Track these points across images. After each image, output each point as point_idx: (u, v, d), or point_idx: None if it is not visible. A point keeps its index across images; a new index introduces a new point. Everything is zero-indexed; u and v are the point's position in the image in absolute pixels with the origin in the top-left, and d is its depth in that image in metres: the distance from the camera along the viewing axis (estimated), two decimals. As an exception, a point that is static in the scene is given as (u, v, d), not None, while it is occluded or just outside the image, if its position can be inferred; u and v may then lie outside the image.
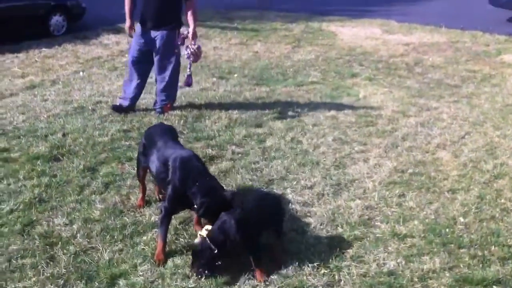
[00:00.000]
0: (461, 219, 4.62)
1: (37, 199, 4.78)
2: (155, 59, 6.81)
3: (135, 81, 6.94)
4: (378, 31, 12.31)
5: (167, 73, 6.85)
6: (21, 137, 6.09)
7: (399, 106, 7.33)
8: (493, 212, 4.74)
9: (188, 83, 6.89)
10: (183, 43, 6.77)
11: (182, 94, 7.56)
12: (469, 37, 11.59)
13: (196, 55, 6.70)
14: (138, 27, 6.83)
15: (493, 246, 4.25)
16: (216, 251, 3.76)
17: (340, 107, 7.27)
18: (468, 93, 8.00)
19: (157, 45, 6.71)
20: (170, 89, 6.96)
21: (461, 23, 12.71)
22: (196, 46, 6.64)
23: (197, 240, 3.99)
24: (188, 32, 6.66)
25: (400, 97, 7.73)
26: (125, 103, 6.95)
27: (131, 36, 7.01)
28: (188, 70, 6.79)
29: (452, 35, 11.87)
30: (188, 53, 6.63)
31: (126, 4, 6.81)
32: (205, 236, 3.84)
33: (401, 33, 12.17)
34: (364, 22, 13.29)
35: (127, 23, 6.87)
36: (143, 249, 4.13)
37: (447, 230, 4.45)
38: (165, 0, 6.65)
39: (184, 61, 6.90)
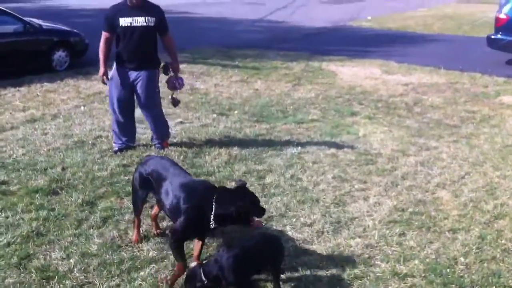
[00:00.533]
0: (462, 259, 4.58)
1: (34, 232, 4.75)
2: (139, 99, 6.67)
3: (125, 126, 6.80)
4: (377, 71, 12.43)
5: (154, 114, 6.81)
6: (21, 170, 6.08)
7: (399, 145, 7.35)
8: (494, 253, 4.71)
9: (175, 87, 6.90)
10: (169, 79, 6.87)
11: (183, 130, 7.59)
12: (468, 79, 11.69)
13: (179, 86, 6.86)
14: (114, 70, 6.61)
15: (494, 287, 4.21)
16: (206, 282, 3.72)
17: (340, 145, 7.29)
18: (467, 133, 8.03)
19: (139, 86, 6.58)
20: (161, 129, 6.95)
21: (460, 64, 12.85)
22: (180, 79, 6.85)
23: (192, 264, 3.98)
24: (170, 71, 6.76)
25: (400, 136, 7.75)
26: (122, 146, 6.80)
27: (105, 83, 6.75)
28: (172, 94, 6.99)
29: (451, 76, 11.97)
30: (172, 84, 6.81)
31: (101, 51, 6.55)
32: (201, 264, 3.84)
33: (400, 73, 12.27)
34: (364, 62, 13.42)
35: (102, 71, 6.57)
36: (140, 284, 4.08)
37: (448, 270, 4.41)
38: (144, 40, 6.47)
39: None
